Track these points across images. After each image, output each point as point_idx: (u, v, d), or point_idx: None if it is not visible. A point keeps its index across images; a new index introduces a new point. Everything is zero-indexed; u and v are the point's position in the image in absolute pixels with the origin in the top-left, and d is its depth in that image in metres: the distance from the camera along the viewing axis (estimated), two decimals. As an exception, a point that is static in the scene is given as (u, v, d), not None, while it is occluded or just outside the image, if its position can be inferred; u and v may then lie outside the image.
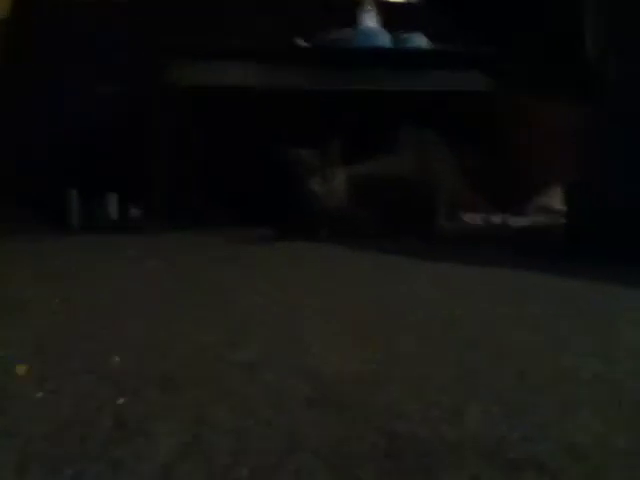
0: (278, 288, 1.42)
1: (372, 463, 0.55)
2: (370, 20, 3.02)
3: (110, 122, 2.88)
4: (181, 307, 1.22)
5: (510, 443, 0.58)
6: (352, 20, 3.03)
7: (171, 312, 1.17)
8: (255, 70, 2.84)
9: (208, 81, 2.78)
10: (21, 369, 0.79)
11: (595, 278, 1.43)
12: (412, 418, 0.64)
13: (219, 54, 2.80)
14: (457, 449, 0.58)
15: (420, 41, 3.03)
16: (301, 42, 2.96)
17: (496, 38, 2.99)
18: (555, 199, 2.96)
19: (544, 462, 0.55)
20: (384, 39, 2.97)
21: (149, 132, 2.76)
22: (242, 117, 2.98)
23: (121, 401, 0.68)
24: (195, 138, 2.87)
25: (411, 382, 0.75)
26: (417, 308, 1.15)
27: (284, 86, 2.86)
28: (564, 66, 2.90)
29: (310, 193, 2.30)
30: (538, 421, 0.63)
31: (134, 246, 2.21)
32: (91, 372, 0.79)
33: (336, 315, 1.11)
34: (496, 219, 2.74)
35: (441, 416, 0.65)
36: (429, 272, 1.62)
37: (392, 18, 3.08)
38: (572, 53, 2.38)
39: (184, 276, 1.64)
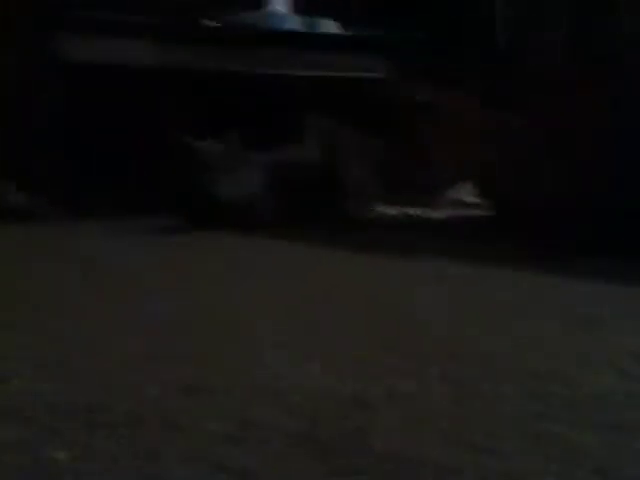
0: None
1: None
2: (279, 4, 2.94)
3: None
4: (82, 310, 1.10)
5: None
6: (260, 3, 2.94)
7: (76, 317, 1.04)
8: (156, 49, 2.69)
9: (104, 58, 2.61)
10: None
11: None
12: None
13: (118, 29, 2.64)
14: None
15: (330, 26, 2.96)
16: (208, 23, 2.83)
17: (406, 25, 2.97)
18: (466, 192, 2.96)
19: None
20: (293, 23, 2.89)
21: (37, 114, 2.57)
22: (140, 98, 2.81)
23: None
24: (89, 121, 2.69)
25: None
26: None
27: (187, 67, 2.74)
28: (473, 55, 2.91)
29: (210, 183, 2.22)
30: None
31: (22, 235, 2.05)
32: None
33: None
34: (411, 211, 2.72)
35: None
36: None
37: (303, 2, 3.01)
38: (482, 42, 2.38)
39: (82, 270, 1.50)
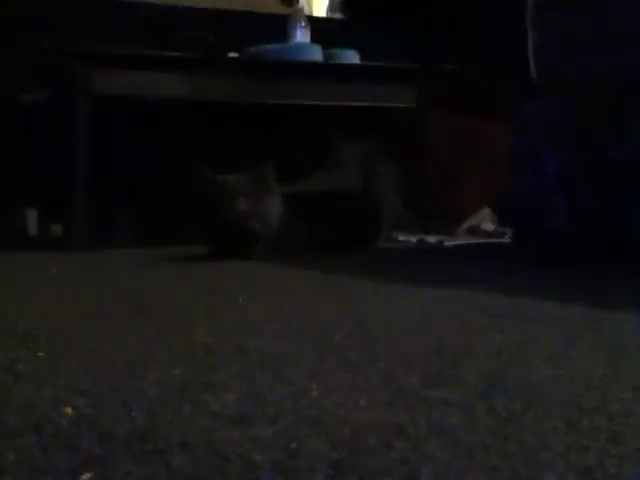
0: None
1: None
2: (302, 35, 2.98)
3: (31, 133, 2.71)
4: (135, 335, 1.11)
5: None
6: (283, 36, 2.98)
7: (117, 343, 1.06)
8: (182, 81, 2.73)
9: (132, 91, 2.66)
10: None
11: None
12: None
13: (143, 63, 2.69)
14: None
15: (351, 57, 3.01)
16: (232, 54, 2.88)
17: (438, 55, 3.01)
18: (485, 219, 2.98)
19: None
20: (316, 54, 2.93)
21: (68, 145, 2.61)
22: (167, 130, 2.86)
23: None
24: (117, 152, 2.73)
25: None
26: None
27: (213, 99, 2.78)
28: (488, 82, 2.94)
29: (238, 214, 2.22)
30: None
31: (57, 264, 2.07)
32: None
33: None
34: (431, 239, 2.73)
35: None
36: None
37: (323, 34, 3.05)
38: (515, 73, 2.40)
39: (121, 296, 1.53)
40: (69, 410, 0.72)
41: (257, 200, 2.25)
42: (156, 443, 0.64)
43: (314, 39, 2.98)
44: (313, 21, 3.12)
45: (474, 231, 2.90)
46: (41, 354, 0.97)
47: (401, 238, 2.77)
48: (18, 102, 2.76)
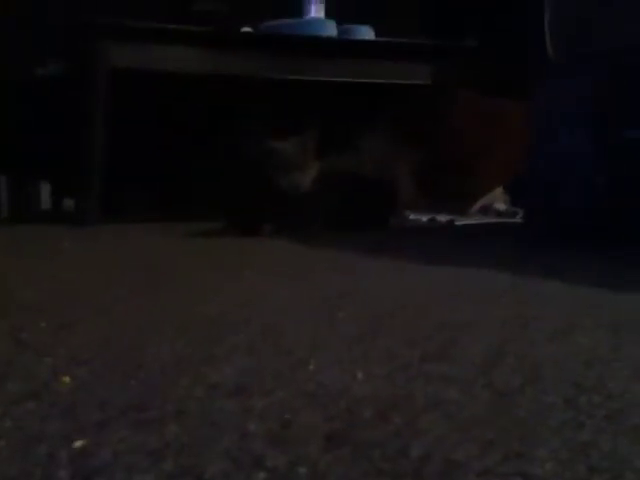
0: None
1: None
2: (316, 10, 2.96)
3: (46, 107, 2.71)
4: (140, 307, 1.12)
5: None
6: (298, 10, 2.96)
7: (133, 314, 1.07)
8: (197, 55, 2.72)
9: (148, 64, 2.65)
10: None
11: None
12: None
13: (159, 36, 2.68)
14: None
15: (366, 33, 2.98)
16: (246, 29, 2.87)
17: (456, 32, 2.98)
18: (497, 199, 2.96)
19: None
20: (330, 29, 2.91)
21: (83, 118, 2.61)
22: (184, 104, 2.86)
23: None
24: (135, 125, 2.73)
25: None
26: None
27: (226, 74, 2.76)
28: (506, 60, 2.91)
29: (286, 188, 2.20)
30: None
31: (68, 238, 2.09)
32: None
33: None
34: (442, 218, 2.72)
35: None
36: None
37: (338, 9, 3.03)
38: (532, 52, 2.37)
39: (129, 269, 1.53)
40: (68, 379, 0.73)
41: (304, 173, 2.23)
42: (152, 412, 0.64)
43: (329, 14, 2.96)
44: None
45: (486, 211, 2.88)
46: (45, 324, 0.98)
47: (412, 217, 2.75)
48: (33, 75, 2.76)
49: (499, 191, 2.97)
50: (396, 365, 0.80)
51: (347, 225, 2.29)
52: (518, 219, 2.60)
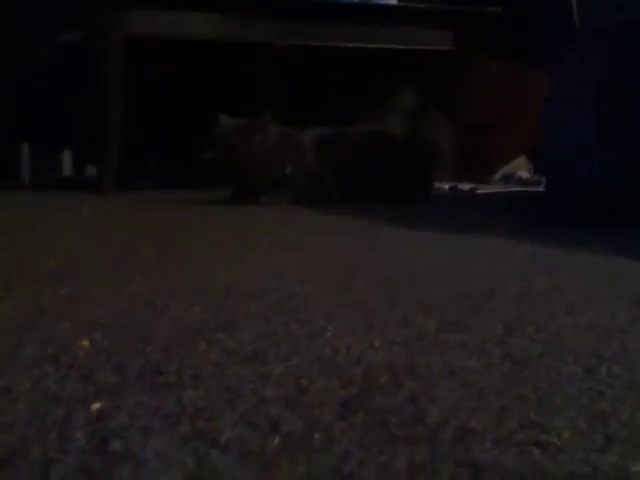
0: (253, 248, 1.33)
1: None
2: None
3: (68, 74, 2.71)
4: (158, 275, 1.12)
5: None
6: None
7: (143, 278, 1.07)
8: (214, 21, 2.70)
9: (165, 32, 2.63)
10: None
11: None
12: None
13: (178, 2, 2.66)
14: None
15: (390, -1, 2.96)
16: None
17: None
18: (520, 168, 2.93)
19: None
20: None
21: (104, 86, 2.60)
22: (203, 72, 2.85)
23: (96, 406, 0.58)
24: (156, 95, 2.72)
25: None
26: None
27: (245, 41, 2.74)
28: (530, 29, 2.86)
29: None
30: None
31: (88, 205, 2.10)
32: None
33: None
34: (464, 187, 2.70)
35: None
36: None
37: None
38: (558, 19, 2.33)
39: (149, 238, 1.54)
40: (86, 343, 0.73)
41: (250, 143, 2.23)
42: (168, 376, 0.64)
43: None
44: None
45: (509, 179, 2.86)
46: (65, 290, 0.99)
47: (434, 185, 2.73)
48: (54, 43, 2.76)
49: (522, 159, 2.94)
50: (413, 333, 0.80)
51: (394, 194, 2.25)
52: (541, 188, 2.58)
